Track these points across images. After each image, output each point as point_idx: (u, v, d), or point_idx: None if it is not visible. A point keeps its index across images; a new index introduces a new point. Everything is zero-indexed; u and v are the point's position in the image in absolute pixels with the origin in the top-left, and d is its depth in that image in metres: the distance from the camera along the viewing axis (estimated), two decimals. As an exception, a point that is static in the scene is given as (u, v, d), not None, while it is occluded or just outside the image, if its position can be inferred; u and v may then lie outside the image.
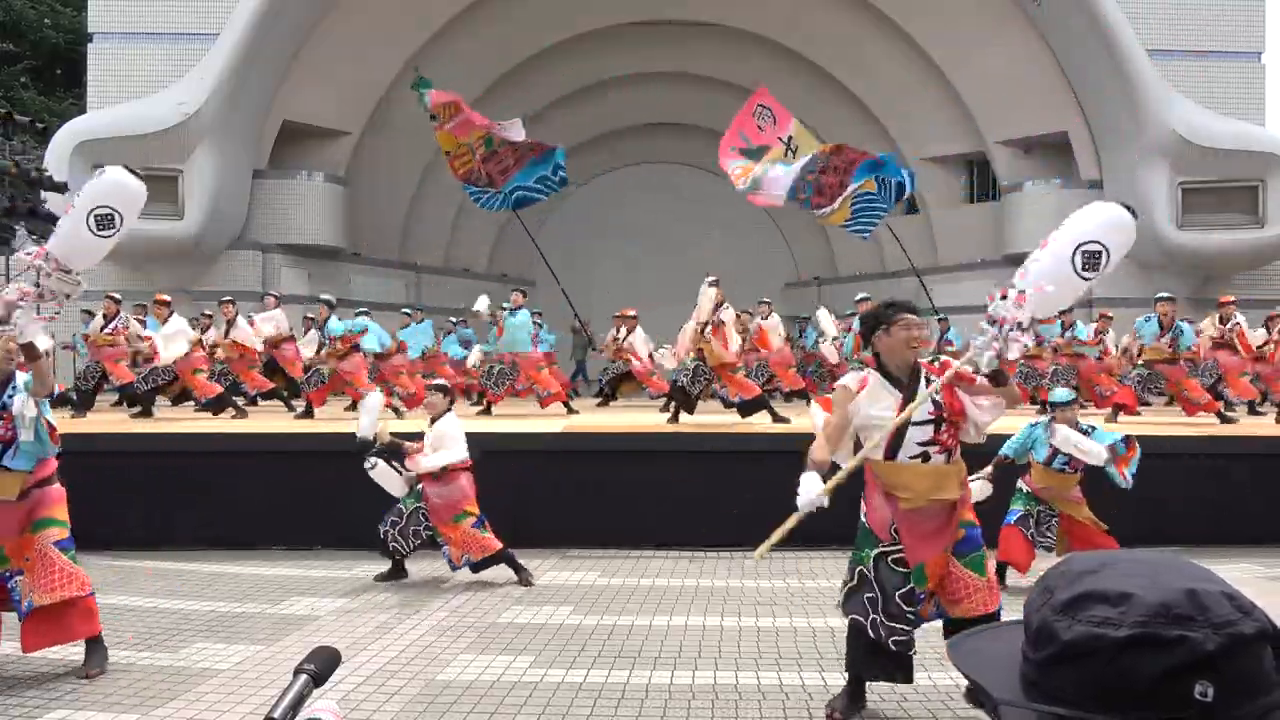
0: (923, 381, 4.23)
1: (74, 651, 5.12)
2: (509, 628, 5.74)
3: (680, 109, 22.90)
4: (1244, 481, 8.31)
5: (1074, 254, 4.07)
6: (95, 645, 4.96)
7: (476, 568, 6.84)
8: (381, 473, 6.70)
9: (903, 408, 4.15)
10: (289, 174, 18.13)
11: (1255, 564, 7.38)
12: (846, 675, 4.46)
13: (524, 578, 6.83)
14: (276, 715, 1.22)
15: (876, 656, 4.24)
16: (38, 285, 4.72)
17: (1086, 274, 4.08)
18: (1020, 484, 6.72)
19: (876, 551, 4.23)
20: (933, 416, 4.20)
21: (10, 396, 4.84)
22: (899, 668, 4.26)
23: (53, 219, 14.54)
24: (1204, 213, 16.14)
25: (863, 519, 4.36)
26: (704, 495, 8.17)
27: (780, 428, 9.37)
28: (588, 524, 7.99)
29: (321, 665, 1.34)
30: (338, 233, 18.56)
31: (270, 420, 10.88)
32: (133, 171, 4.88)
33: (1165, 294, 11.20)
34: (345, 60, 17.63)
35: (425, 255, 21.27)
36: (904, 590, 4.17)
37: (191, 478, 8.35)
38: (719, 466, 8.32)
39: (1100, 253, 4.06)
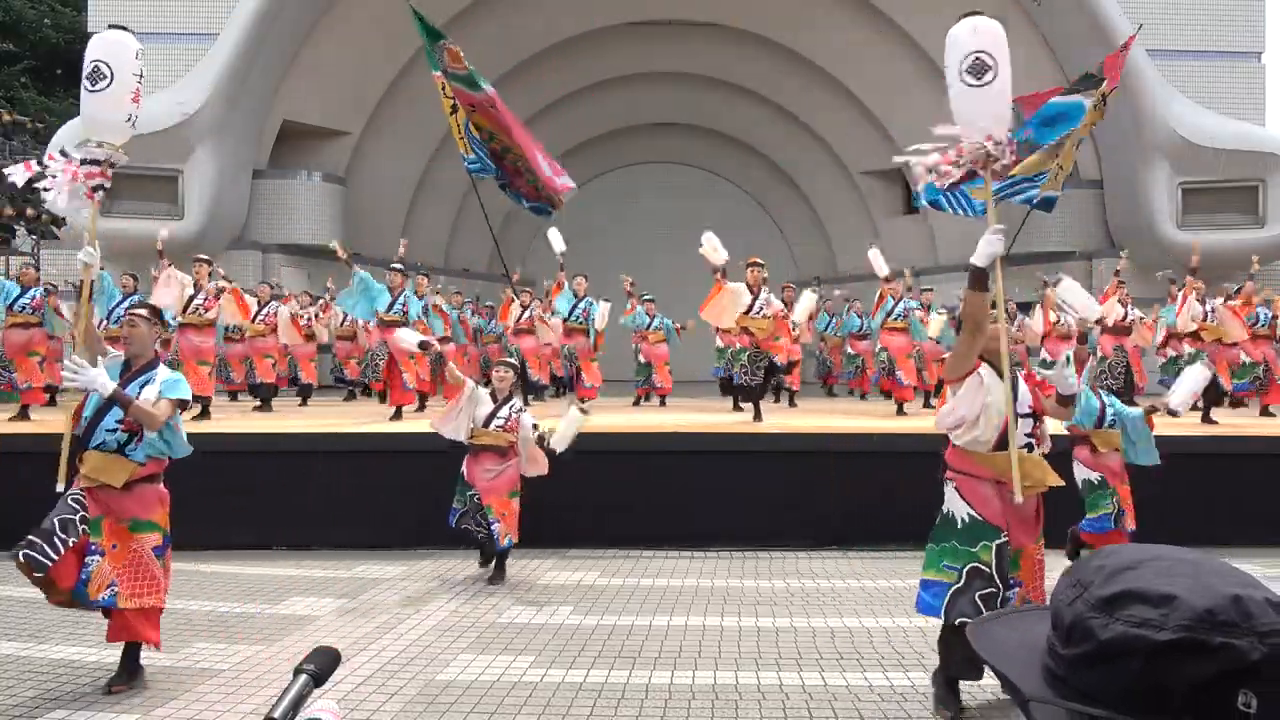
0: (1018, 376, 4.42)
1: (71, 653, 5.12)
2: (509, 628, 5.74)
3: (680, 109, 22.89)
4: (1248, 482, 8.30)
5: (961, 75, 4.34)
6: (135, 654, 4.77)
7: (497, 563, 6.97)
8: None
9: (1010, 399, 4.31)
10: (288, 174, 18.11)
11: (1255, 566, 7.38)
12: (938, 680, 4.43)
13: (495, 572, 6.94)
14: (276, 715, 1.21)
15: (975, 659, 4.22)
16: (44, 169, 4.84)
17: (982, 80, 4.32)
18: (1086, 475, 6.64)
19: (999, 542, 4.20)
20: (1032, 410, 4.45)
21: (146, 384, 4.71)
22: None
23: (53, 219, 14.55)
24: (1204, 213, 16.13)
25: (967, 514, 4.27)
26: (704, 495, 8.17)
27: (779, 428, 9.36)
28: (588, 524, 7.98)
29: (321, 665, 1.33)
30: (337, 233, 18.50)
31: (270, 420, 10.87)
32: (121, 27, 5.18)
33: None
34: (345, 60, 17.62)
35: (425, 255, 21.27)
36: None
37: (192, 477, 8.31)
38: (719, 466, 8.32)
39: (980, 57, 4.34)
